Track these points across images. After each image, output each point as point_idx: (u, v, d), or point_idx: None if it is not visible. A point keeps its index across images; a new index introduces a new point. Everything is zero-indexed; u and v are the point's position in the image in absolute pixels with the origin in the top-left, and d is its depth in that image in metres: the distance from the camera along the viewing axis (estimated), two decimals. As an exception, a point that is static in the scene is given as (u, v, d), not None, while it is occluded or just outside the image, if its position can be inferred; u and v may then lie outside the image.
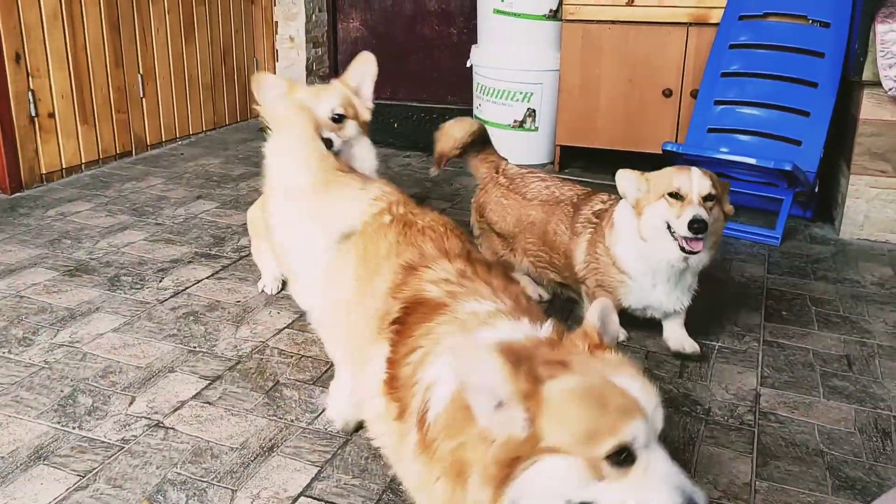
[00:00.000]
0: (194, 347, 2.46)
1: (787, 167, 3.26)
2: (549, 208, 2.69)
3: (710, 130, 3.85)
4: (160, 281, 2.93)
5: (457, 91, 5.91)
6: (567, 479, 1.14)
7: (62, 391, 2.19)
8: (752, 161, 3.35)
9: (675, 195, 2.29)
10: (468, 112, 5.27)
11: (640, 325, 2.59)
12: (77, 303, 2.72)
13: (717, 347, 2.56)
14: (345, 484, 1.84)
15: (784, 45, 3.77)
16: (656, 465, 1.15)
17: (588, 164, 4.67)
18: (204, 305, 2.74)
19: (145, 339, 2.50)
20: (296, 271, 2.25)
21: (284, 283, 2.79)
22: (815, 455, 2.01)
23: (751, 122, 3.78)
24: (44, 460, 1.89)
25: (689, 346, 2.49)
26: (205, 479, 1.84)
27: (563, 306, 2.79)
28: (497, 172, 2.89)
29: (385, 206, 2.01)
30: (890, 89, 3.28)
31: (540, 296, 2.84)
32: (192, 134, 5.10)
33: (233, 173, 4.34)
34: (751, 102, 3.80)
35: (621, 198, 2.44)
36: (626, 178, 2.39)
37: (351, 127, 2.46)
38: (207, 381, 2.26)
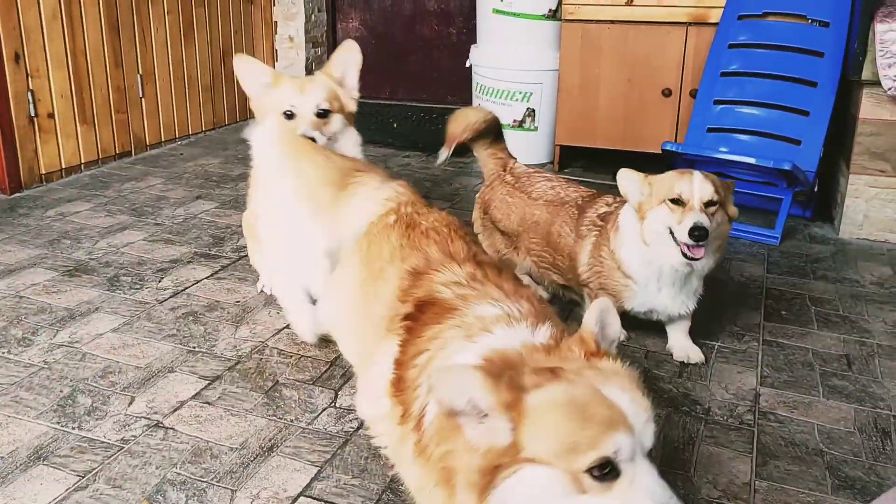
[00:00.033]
0: (194, 347, 2.46)
1: (787, 167, 3.26)
2: (554, 209, 2.67)
3: (710, 130, 3.85)
4: (159, 281, 2.93)
5: (456, 91, 5.91)
6: (547, 490, 1.12)
7: (62, 391, 2.19)
8: (752, 160, 3.35)
9: (677, 201, 2.27)
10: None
11: (640, 324, 2.58)
12: (76, 303, 2.72)
13: (716, 347, 2.55)
14: (344, 484, 1.84)
15: (783, 45, 3.77)
16: (642, 480, 1.12)
17: (588, 164, 4.68)
18: (203, 305, 2.74)
19: (145, 339, 2.50)
20: (278, 259, 2.28)
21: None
22: (815, 454, 2.01)
23: (750, 121, 3.78)
24: (43, 460, 1.89)
25: (695, 355, 2.45)
26: (204, 480, 1.84)
27: (563, 307, 2.79)
28: (504, 170, 2.89)
29: (394, 207, 2.02)
30: (889, 89, 3.28)
31: (540, 297, 2.83)
32: (192, 134, 5.11)
33: (232, 173, 4.34)
34: (750, 102, 3.80)
35: (624, 200, 2.43)
36: (627, 179, 2.36)
37: (336, 121, 2.41)
38: (207, 382, 2.26)
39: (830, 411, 2.21)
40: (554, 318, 1.50)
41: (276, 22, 5.86)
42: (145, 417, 2.08)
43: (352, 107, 2.48)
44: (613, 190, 2.47)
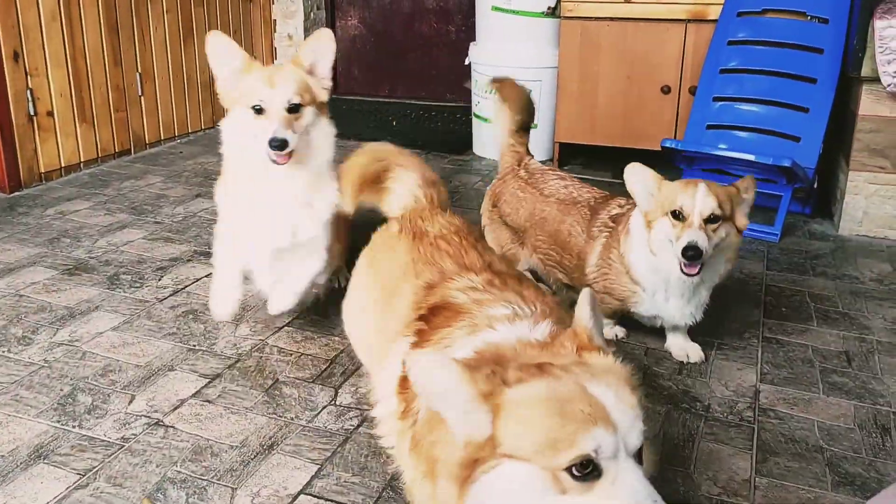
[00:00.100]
0: (194, 346, 2.46)
1: (786, 163, 3.25)
2: (565, 208, 2.65)
3: (709, 127, 3.85)
4: (159, 279, 2.93)
5: (455, 89, 5.91)
6: (526, 487, 1.09)
7: (62, 390, 2.19)
8: (751, 157, 3.35)
9: (678, 214, 2.21)
10: (467, 110, 5.28)
11: (640, 322, 2.58)
12: (76, 301, 2.72)
13: (716, 344, 2.55)
14: (345, 482, 1.84)
15: (783, 42, 3.76)
16: (625, 480, 1.08)
17: (587, 162, 4.67)
18: (203, 304, 2.73)
19: (145, 337, 2.50)
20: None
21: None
22: (815, 451, 2.01)
23: (749, 118, 3.78)
24: (44, 459, 1.89)
25: (694, 354, 2.44)
26: (205, 478, 1.84)
27: (564, 307, 2.79)
28: (519, 165, 2.89)
29: (397, 216, 2.03)
30: (888, 85, 3.28)
31: (559, 301, 2.82)
32: (191, 132, 5.10)
33: (232, 172, 4.34)
34: (749, 99, 3.80)
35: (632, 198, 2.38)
36: (637, 175, 2.29)
37: (308, 114, 2.27)
38: (207, 380, 2.26)
39: (830, 408, 2.21)
40: (567, 321, 1.46)
41: (274, 20, 5.85)
42: (145, 416, 2.08)
43: (323, 96, 2.33)
44: (612, 187, 2.47)
